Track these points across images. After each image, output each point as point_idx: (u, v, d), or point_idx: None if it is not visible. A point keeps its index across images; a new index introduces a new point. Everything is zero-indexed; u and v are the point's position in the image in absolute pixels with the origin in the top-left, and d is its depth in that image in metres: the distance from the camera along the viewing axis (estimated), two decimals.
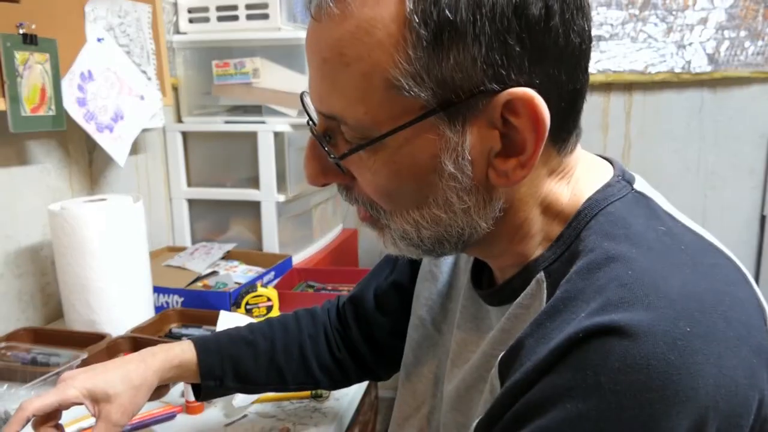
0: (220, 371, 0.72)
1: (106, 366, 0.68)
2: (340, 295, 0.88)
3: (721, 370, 0.37)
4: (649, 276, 0.41)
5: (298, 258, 1.64)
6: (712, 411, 0.36)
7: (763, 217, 2.04)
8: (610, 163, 0.54)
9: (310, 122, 0.50)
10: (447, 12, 0.39)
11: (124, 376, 0.65)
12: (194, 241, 1.74)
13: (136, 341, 1.11)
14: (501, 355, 0.46)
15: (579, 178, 0.50)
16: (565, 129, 0.46)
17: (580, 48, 0.44)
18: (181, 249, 1.61)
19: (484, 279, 0.59)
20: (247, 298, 1.21)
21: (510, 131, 0.43)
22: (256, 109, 1.65)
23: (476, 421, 0.45)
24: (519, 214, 0.49)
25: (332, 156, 0.47)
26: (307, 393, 0.92)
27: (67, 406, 0.64)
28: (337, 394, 0.93)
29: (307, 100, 0.49)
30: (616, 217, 0.46)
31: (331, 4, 0.42)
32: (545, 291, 0.47)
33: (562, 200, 0.49)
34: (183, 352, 0.70)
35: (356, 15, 0.42)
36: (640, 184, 0.51)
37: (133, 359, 0.69)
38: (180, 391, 0.95)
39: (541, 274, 0.48)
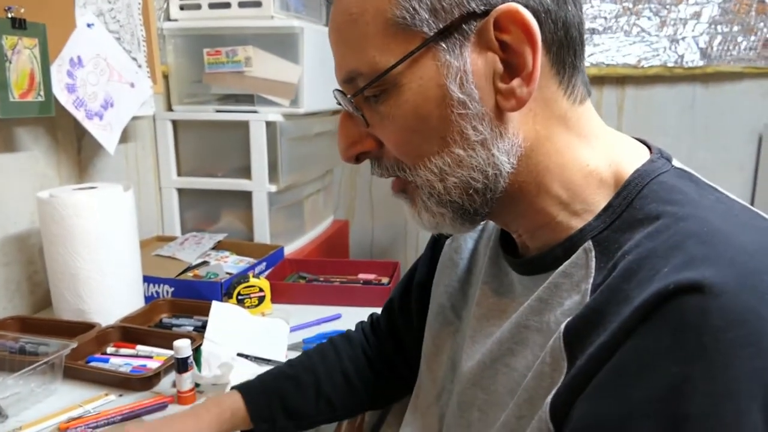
0: (269, 412, 0.72)
1: (167, 423, 0.68)
2: (372, 313, 0.88)
3: None
4: (723, 233, 0.41)
5: (290, 249, 1.63)
6: None
7: None
8: (643, 142, 0.55)
9: (338, 94, 0.53)
10: None
11: (177, 427, 0.67)
12: (184, 231, 1.73)
13: (125, 331, 1.10)
14: (564, 324, 0.45)
15: (614, 146, 0.51)
16: (565, 62, 0.48)
17: None
18: (171, 239, 1.59)
19: (509, 252, 0.59)
20: (239, 288, 1.20)
21: (508, 55, 0.46)
22: (247, 98, 1.63)
23: (545, 400, 0.44)
24: (539, 159, 0.49)
25: (349, 98, 0.50)
26: None
27: None
28: None
29: (338, 95, 0.53)
30: (670, 186, 0.47)
31: None
32: (594, 259, 0.47)
33: (596, 163, 0.49)
34: (233, 402, 0.71)
35: None
36: (678, 163, 0.52)
37: (189, 416, 0.69)
38: (171, 381, 0.94)
39: (588, 243, 0.48)
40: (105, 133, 1.32)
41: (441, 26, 0.45)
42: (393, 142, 0.50)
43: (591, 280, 0.46)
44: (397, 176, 0.53)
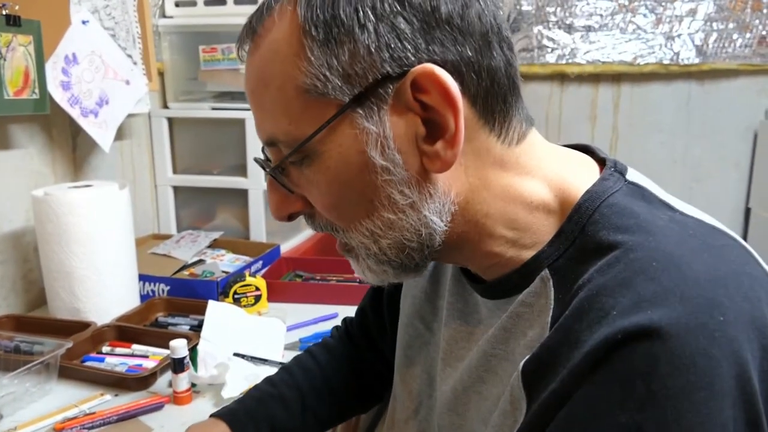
0: None
1: None
2: (345, 317, 0.87)
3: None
4: (673, 265, 0.40)
5: (286, 247, 1.62)
6: (759, 394, 0.37)
7: (747, 210, 2.06)
8: (591, 152, 0.54)
9: (262, 160, 0.52)
10: (331, 9, 0.42)
11: None
12: (180, 229, 1.72)
13: (121, 330, 1.09)
14: (523, 362, 0.44)
15: (558, 172, 0.49)
16: (494, 110, 0.46)
17: (482, 24, 0.44)
18: (167, 237, 1.59)
19: (471, 272, 0.58)
20: (235, 287, 1.19)
21: (429, 114, 0.44)
22: (243, 96, 1.59)
23: None
24: (476, 208, 0.48)
25: (269, 171, 0.50)
26: None
27: None
28: None
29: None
30: (621, 208, 0.45)
31: (246, 42, 0.47)
32: (552, 289, 0.46)
33: (539, 195, 0.48)
34: None
35: (265, 41, 0.46)
36: (633, 175, 0.50)
37: None
38: (168, 381, 0.94)
39: (545, 272, 0.47)
40: (100, 130, 1.31)
41: (355, 92, 0.43)
42: (321, 206, 0.49)
43: (551, 313, 0.45)
44: (332, 235, 0.52)
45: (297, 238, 1.73)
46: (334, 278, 1.39)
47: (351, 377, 0.78)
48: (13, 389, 0.89)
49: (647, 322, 0.37)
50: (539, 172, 0.48)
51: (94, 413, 0.85)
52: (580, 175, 0.49)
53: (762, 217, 1.99)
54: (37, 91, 1.14)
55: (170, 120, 1.66)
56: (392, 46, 0.42)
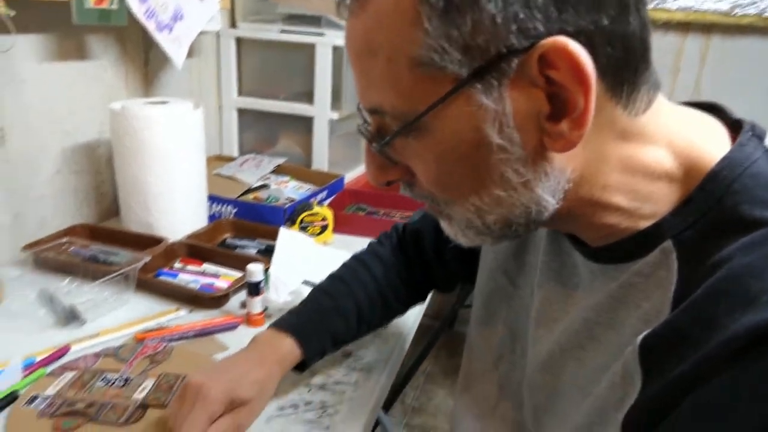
0: (321, 347, 0.73)
1: (234, 369, 0.66)
2: (396, 224, 0.87)
3: None
4: None
5: (347, 178, 1.61)
6: None
7: None
8: (720, 111, 0.49)
9: (362, 125, 0.49)
10: None
11: (254, 381, 0.66)
12: (242, 152, 1.72)
13: (192, 248, 1.11)
14: (642, 336, 0.41)
15: (685, 137, 0.45)
16: (624, 81, 0.41)
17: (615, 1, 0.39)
18: (230, 159, 1.59)
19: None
20: (303, 215, 1.19)
21: (555, 89, 0.39)
22: (314, 20, 1.57)
23: (609, 409, 0.42)
24: (593, 182, 0.44)
25: (374, 145, 0.47)
26: None
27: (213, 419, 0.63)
28: (396, 320, 0.93)
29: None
30: (767, 179, 0.41)
31: (354, 1, 0.43)
32: (676, 262, 0.42)
33: (663, 163, 0.44)
34: (291, 348, 0.70)
35: (373, 4, 0.41)
36: None
37: (253, 363, 0.68)
38: (239, 302, 0.96)
39: (668, 243, 0.43)
40: (173, 46, 1.29)
41: (475, 66, 0.39)
42: (425, 180, 0.46)
43: (673, 288, 0.42)
44: (431, 206, 0.49)
45: (358, 169, 1.71)
46: (398, 215, 1.38)
47: (401, 288, 0.81)
48: (92, 297, 0.92)
49: None
50: (664, 139, 0.44)
51: (172, 327, 0.87)
52: (710, 140, 0.45)
53: None
54: (116, 1, 1.12)
55: (238, 40, 1.63)
56: (521, 16, 0.37)
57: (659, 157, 0.44)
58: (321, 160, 1.62)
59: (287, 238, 1.06)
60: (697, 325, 0.38)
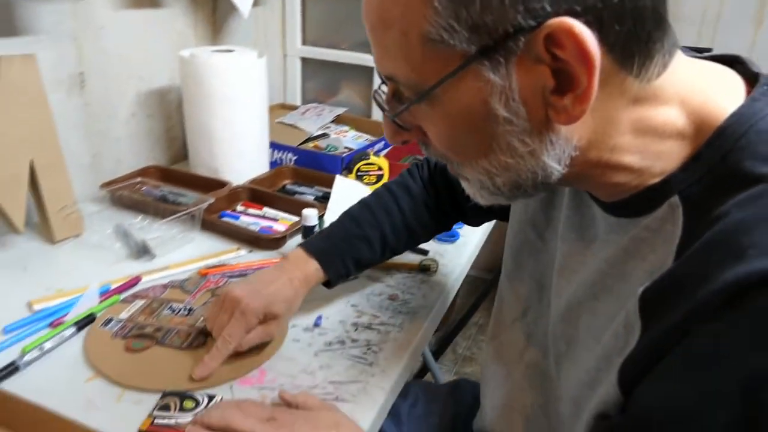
0: (345, 270, 0.79)
1: (268, 288, 0.73)
2: (428, 159, 0.87)
3: None
4: None
5: None
6: None
7: None
8: (742, 64, 0.48)
9: (376, 91, 0.51)
10: None
11: (285, 299, 0.73)
12: (305, 101, 1.76)
13: (253, 192, 1.17)
14: (642, 288, 0.43)
15: (700, 93, 0.44)
16: (634, 53, 0.41)
17: None
18: (293, 107, 1.63)
19: None
20: (359, 164, 1.22)
21: (561, 65, 0.40)
22: None
23: (615, 359, 0.44)
24: (601, 146, 0.45)
25: (388, 113, 0.49)
26: (416, 265, 0.95)
27: (250, 328, 0.71)
28: (443, 269, 0.96)
29: None
30: None
31: None
32: (681, 216, 0.43)
33: (674, 122, 0.44)
34: (315, 269, 0.76)
35: None
36: None
37: (283, 282, 0.74)
38: (295, 244, 1.01)
39: (675, 198, 0.44)
40: None
41: (483, 44, 0.40)
42: (437, 143, 0.48)
43: (677, 242, 0.43)
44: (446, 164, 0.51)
45: None
46: None
47: (428, 220, 0.84)
48: (161, 233, 0.99)
49: None
50: (677, 97, 0.44)
51: (233, 265, 0.93)
52: (726, 95, 0.44)
53: None
54: None
55: None
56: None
57: (671, 117, 0.44)
58: (380, 111, 1.64)
59: (343, 185, 1.09)
60: (691, 277, 0.39)
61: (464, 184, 0.52)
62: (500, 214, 0.75)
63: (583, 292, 0.53)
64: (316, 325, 0.80)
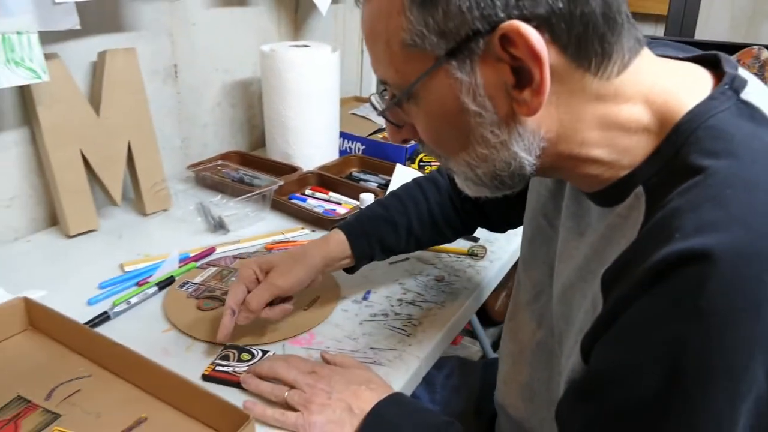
0: (369, 250, 0.83)
1: (291, 256, 0.81)
2: None
3: None
4: (747, 192, 0.41)
5: None
6: None
7: None
8: (716, 65, 0.51)
9: (372, 95, 0.59)
10: None
11: (284, 253, 0.81)
12: None
13: (321, 178, 1.26)
14: (603, 270, 0.48)
15: (663, 92, 0.48)
16: (589, 53, 0.46)
17: None
18: (366, 100, 1.71)
19: None
20: (422, 155, 1.29)
21: (519, 63, 0.45)
22: None
23: (583, 332, 0.49)
24: (571, 144, 0.50)
25: (379, 110, 0.57)
26: (465, 250, 1.00)
27: (250, 284, 0.78)
28: (491, 256, 1.01)
29: None
30: (717, 131, 0.45)
31: None
32: (644, 205, 0.48)
33: (639, 118, 0.48)
34: (340, 242, 0.82)
35: None
36: (752, 91, 0.48)
37: (299, 246, 0.83)
38: None
39: (639, 189, 0.49)
40: None
41: (449, 47, 0.46)
42: (424, 138, 0.55)
43: (639, 227, 0.47)
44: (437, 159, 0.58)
45: None
46: None
47: (452, 213, 0.87)
48: (236, 211, 1.10)
49: (700, 246, 0.39)
50: (641, 95, 0.48)
51: (297, 242, 1.02)
52: (690, 94, 0.48)
53: None
54: None
55: None
56: (481, 5, 0.44)
57: (635, 113, 0.48)
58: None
59: (402, 173, 1.16)
60: (636, 257, 0.44)
61: (456, 179, 0.58)
62: (519, 218, 0.79)
63: (575, 276, 0.58)
64: (365, 298, 0.88)
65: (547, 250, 0.68)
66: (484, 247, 1.01)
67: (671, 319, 0.40)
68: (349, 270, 0.86)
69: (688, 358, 0.40)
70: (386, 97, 0.56)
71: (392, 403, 0.64)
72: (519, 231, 1.09)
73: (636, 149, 0.49)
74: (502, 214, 0.85)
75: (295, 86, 1.24)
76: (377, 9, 0.50)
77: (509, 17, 0.44)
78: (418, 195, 0.87)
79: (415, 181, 0.91)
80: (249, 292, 0.76)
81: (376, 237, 0.83)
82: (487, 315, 1.94)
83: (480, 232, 1.04)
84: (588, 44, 0.46)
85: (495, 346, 1.98)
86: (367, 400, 0.63)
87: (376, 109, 0.58)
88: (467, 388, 0.91)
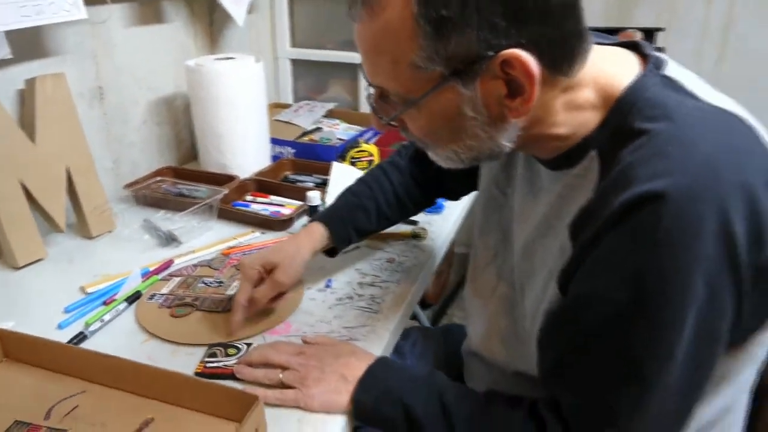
0: (347, 235, 0.92)
1: (270, 248, 0.88)
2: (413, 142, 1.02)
3: (739, 201, 0.50)
4: (684, 146, 0.52)
5: None
6: (742, 238, 0.50)
7: None
8: (638, 49, 0.63)
9: (369, 97, 0.65)
10: (443, 11, 0.52)
11: (281, 251, 0.87)
12: (296, 99, 1.90)
13: (260, 183, 1.31)
14: (570, 221, 0.59)
15: (605, 74, 0.59)
16: (562, 64, 0.56)
17: (563, 6, 0.54)
18: (286, 106, 1.77)
19: None
20: (352, 152, 1.36)
21: (511, 78, 0.55)
22: None
23: (555, 273, 0.60)
24: (542, 127, 0.60)
25: (383, 119, 0.64)
26: (408, 233, 1.10)
27: (256, 284, 0.85)
28: (432, 235, 1.11)
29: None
30: (653, 102, 0.56)
31: (362, 11, 0.57)
32: (598, 165, 0.59)
33: (590, 98, 0.60)
34: (321, 231, 0.90)
35: (380, 18, 0.55)
36: (670, 68, 0.60)
37: (288, 241, 0.90)
38: (301, 225, 1.15)
39: (593, 152, 0.59)
40: (235, 5, 1.46)
41: (456, 67, 0.54)
42: (420, 134, 0.63)
43: (595, 183, 0.58)
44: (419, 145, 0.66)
45: None
46: None
47: (414, 190, 0.98)
48: (183, 224, 1.13)
49: (654, 189, 0.50)
50: (591, 80, 0.60)
51: (251, 245, 1.07)
52: (625, 73, 0.60)
53: None
54: None
55: None
56: (489, 36, 0.52)
57: (587, 95, 0.60)
58: (367, 104, 1.78)
59: (339, 170, 1.24)
60: (602, 205, 0.54)
61: (431, 154, 0.67)
62: (473, 185, 0.89)
63: (534, 232, 0.68)
64: (327, 286, 0.95)
65: (499, 217, 0.78)
66: (424, 229, 1.11)
67: (633, 249, 0.51)
68: (331, 254, 0.94)
69: (648, 279, 0.51)
70: (384, 102, 0.63)
71: (381, 364, 0.72)
72: (453, 211, 1.21)
73: (588, 122, 0.60)
74: (459, 185, 0.95)
75: (225, 98, 1.28)
76: (383, 28, 0.55)
77: (509, 45, 0.53)
78: (382, 179, 0.96)
79: (379, 166, 0.99)
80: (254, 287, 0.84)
81: (352, 223, 0.91)
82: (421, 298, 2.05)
83: (418, 216, 1.14)
84: (564, 57, 0.56)
85: (434, 323, 2.10)
86: (357, 368, 0.71)
87: (376, 112, 0.65)
88: (431, 351, 1.01)
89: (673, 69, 0.61)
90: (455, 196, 1.04)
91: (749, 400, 0.69)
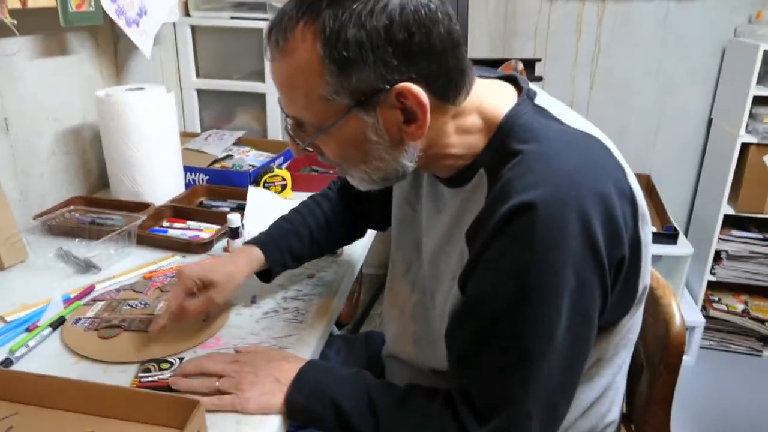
0: (282, 260, 0.98)
1: (210, 263, 0.92)
2: (342, 176, 1.10)
3: (598, 206, 0.62)
4: (550, 162, 0.63)
5: None
6: (600, 235, 0.62)
7: (710, 120, 2.30)
8: (515, 81, 0.76)
9: (286, 126, 0.73)
10: (344, 52, 0.61)
11: (220, 270, 0.91)
12: (203, 129, 1.93)
13: (176, 209, 1.33)
14: (466, 229, 0.70)
15: (488, 103, 0.71)
16: (450, 92, 0.67)
17: (444, 47, 0.64)
18: (194, 135, 1.80)
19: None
20: (265, 177, 1.43)
21: (407, 107, 0.65)
22: (260, 7, 1.78)
23: (457, 276, 0.71)
24: (438, 148, 0.71)
25: (300, 145, 0.72)
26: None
27: (189, 292, 0.89)
28: (348, 251, 1.19)
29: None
30: (525, 127, 0.68)
31: (275, 53, 0.66)
32: (486, 181, 0.70)
33: (478, 124, 0.71)
34: (257, 254, 0.96)
35: (292, 57, 0.64)
36: (540, 98, 0.72)
37: (230, 261, 0.94)
38: (221, 247, 1.20)
39: (481, 171, 0.71)
40: (142, 38, 1.49)
41: (359, 99, 0.64)
42: (333, 157, 0.72)
43: (484, 197, 0.68)
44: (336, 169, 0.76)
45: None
46: None
47: (345, 219, 1.06)
48: (99, 252, 1.14)
49: (526, 199, 0.61)
50: (476, 108, 0.71)
51: (173, 267, 1.10)
52: (503, 103, 0.71)
53: (720, 127, 2.22)
54: (93, 4, 1.31)
55: (193, 27, 1.82)
56: (384, 72, 0.62)
57: (474, 121, 0.71)
58: (275, 131, 1.85)
59: (256, 194, 1.30)
60: (489, 215, 0.65)
61: (349, 178, 0.76)
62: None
63: (440, 242, 0.79)
64: (253, 302, 1.00)
65: (412, 231, 0.88)
66: (340, 247, 1.19)
67: (515, 250, 0.62)
68: (266, 279, 0.99)
69: (528, 274, 0.62)
70: (299, 130, 0.71)
71: (311, 366, 0.78)
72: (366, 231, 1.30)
73: (476, 144, 0.71)
74: (382, 215, 1.02)
75: (137, 127, 1.31)
76: (294, 67, 0.64)
77: (402, 79, 0.63)
78: (315, 208, 1.04)
79: (312, 197, 1.07)
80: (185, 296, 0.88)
81: (287, 248, 0.98)
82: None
83: None
84: (449, 88, 0.67)
85: None
86: (290, 370, 0.77)
87: (293, 140, 0.73)
88: (354, 357, 1.08)
89: (543, 99, 0.73)
90: (382, 227, 1.12)
91: (625, 378, 0.82)
